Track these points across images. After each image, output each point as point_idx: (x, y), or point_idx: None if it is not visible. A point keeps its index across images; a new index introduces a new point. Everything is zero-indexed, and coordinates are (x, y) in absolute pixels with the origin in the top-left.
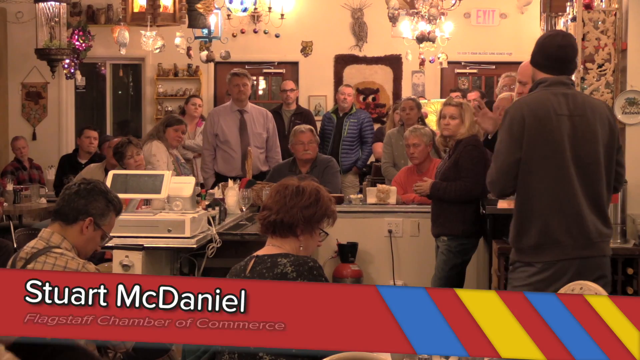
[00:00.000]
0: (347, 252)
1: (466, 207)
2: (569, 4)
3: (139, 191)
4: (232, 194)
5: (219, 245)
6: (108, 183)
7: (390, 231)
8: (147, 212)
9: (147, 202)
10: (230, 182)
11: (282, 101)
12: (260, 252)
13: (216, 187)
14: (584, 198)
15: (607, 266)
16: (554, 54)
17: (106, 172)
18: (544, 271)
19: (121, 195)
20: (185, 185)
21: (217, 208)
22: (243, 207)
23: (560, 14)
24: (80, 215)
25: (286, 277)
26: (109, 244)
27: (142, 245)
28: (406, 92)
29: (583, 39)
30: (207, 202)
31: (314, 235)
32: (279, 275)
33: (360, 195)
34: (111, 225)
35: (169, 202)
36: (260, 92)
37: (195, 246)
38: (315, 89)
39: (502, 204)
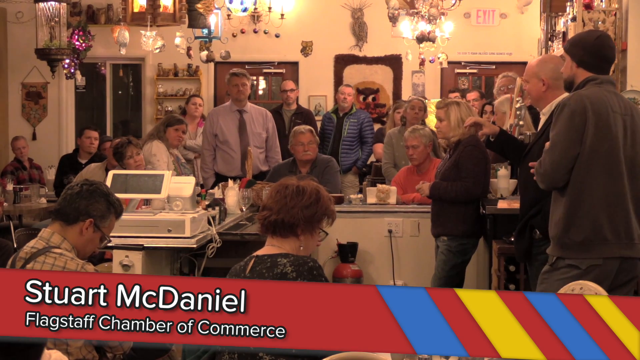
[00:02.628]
0: (347, 252)
1: (466, 207)
2: (569, 4)
3: (139, 191)
4: (232, 194)
5: (219, 245)
6: (108, 183)
7: (390, 231)
8: (147, 212)
9: (147, 202)
10: (230, 182)
11: (282, 101)
12: (260, 252)
13: (216, 187)
14: (630, 198)
15: (638, 268)
16: (606, 54)
17: (107, 172)
18: (589, 273)
19: (121, 196)
20: (185, 185)
21: (217, 208)
22: (243, 207)
23: (560, 13)
24: (81, 216)
25: (286, 277)
26: (109, 244)
27: (142, 245)
28: (406, 92)
29: None
30: (207, 202)
31: (314, 235)
32: (278, 275)
33: (360, 195)
34: (111, 228)
35: (169, 202)
36: (260, 92)
37: (195, 246)
38: (315, 89)
39: (502, 204)
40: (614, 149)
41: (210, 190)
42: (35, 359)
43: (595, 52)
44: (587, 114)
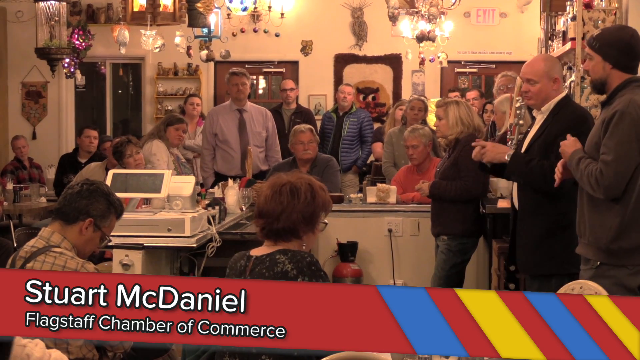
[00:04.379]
0: (347, 251)
1: (466, 206)
2: (568, 3)
3: (139, 190)
4: (232, 193)
5: (219, 244)
6: (108, 182)
7: (390, 230)
8: (147, 211)
9: (147, 201)
10: (230, 181)
11: (282, 100)
12: (257, 253)
13: (216, 187)
14: None
15: None
16: (639, 53)
17: (107, 171)
18: (637, 274)
19: (121, 195)
20: (185, 184)
21: (217, 207)
22: (243, 207)
23: (560, 13)
24: (81, 215)
25: (287, 276)
26: (109, 243)
27: (142, 244)
28: (406, 91)
29: (583, 38)
30: (207, 202)
31: (316, 231)
32: (279, 274)
33: (360, 195)
34: (111, 227)
35: (168, 201)
36: (260, 92)
37: (195, 245)
38: (315, 88)
39: (502, 203)
40: None
41: (210, 190)
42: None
43: (631, 53)
44: None
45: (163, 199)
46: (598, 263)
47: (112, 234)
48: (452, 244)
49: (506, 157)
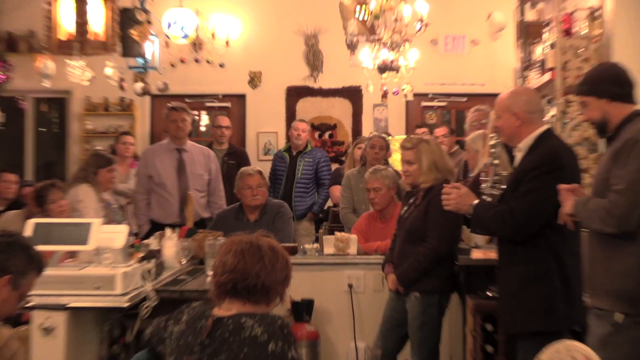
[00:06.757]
0: (302, 310)
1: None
2: (545, 29)
3: (62, 242)
4: (170, 245)
5: (155, 303)
6: (28, 233)
7: (350, 285)
8: (71, 266)
9: (72, 254)
10: (168, 230)
11: (213, 139)
12: (218, 313)
13: (152, 237)
14: None
15: None
16: (631, 79)
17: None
18: None
19: (43, 247)
20: (116, 234)
21: (152, 261)
22: (183, 260)
23: (537, 40)
24: None
25: (256, 341)
26: (27, 304)
27: (65, 304)
28: (367, 127)
29: (563, 68)
30: (141, 254)
31: (283, 299)
32: (247, 341)
33: (316, 245)
34: (30, 285)
35: (97, 254)
36: (203, 129)
37: (127, 305)
38: (264, 124)
39: (477, 254)
40: None
41: (145, 241)
42: None
43: (621, 81)
44: None
45: (90, 252)
46: (621, 317)
47: (31, 292)
48: (430, 300)
49: (471, 208)
